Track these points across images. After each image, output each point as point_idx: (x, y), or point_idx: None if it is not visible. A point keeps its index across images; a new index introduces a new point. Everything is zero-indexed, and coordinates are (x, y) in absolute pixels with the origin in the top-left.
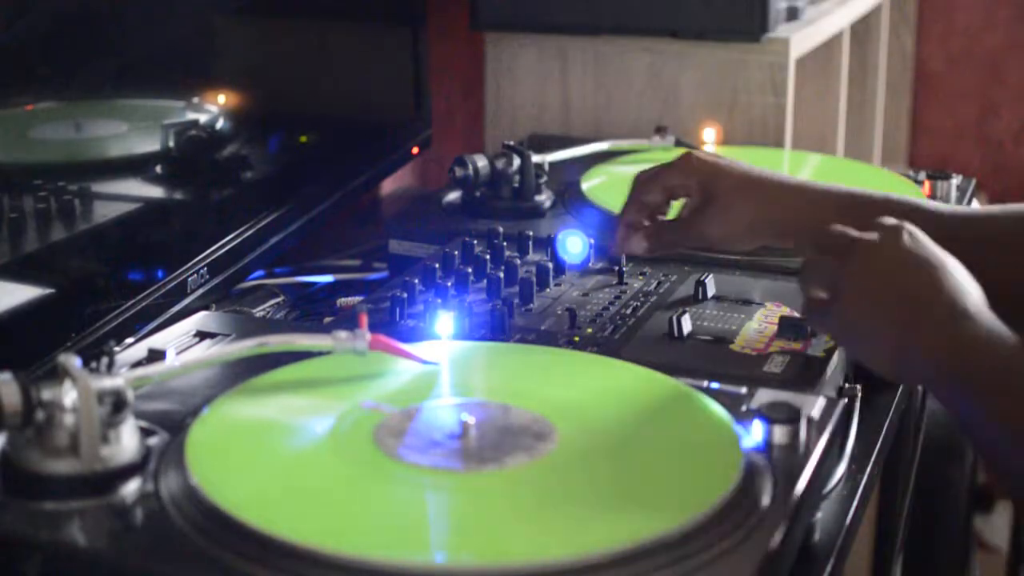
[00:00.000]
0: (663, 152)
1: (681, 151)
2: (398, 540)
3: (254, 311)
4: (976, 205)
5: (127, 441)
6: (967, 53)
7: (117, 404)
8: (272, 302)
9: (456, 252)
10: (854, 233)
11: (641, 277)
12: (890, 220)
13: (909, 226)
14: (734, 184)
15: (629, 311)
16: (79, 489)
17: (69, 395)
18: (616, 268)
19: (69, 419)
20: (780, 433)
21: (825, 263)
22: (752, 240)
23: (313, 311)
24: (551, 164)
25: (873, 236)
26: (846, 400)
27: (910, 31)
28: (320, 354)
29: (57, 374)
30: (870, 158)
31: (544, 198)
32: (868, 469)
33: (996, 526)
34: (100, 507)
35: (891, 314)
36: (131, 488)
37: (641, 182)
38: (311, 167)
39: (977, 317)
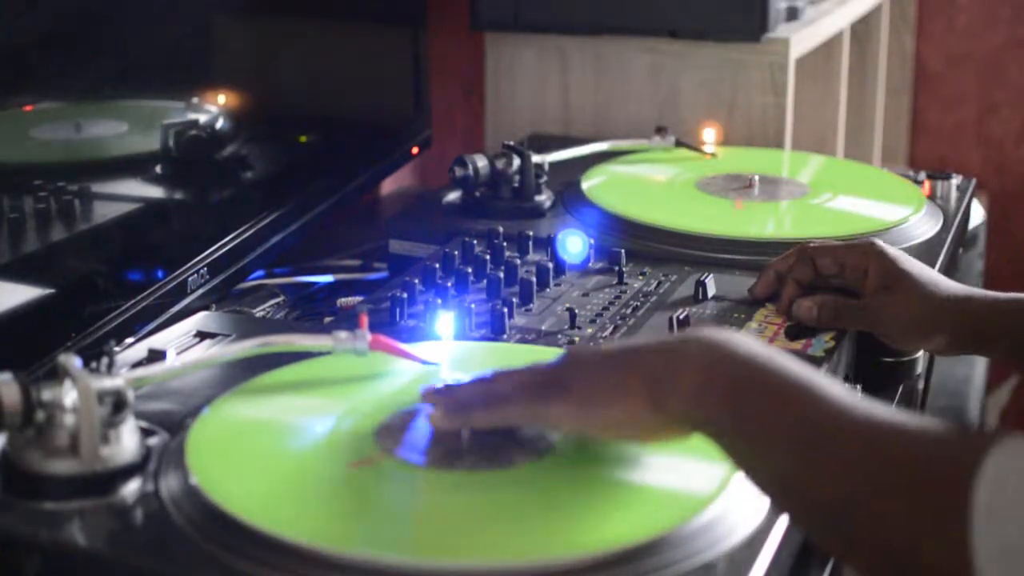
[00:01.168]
0: (663, 152)
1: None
2: (398, 540)
3: (254, 311)
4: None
5: (127, 441)
6: (967, 53)
7: (117, 404)
8: (272, 302)
9: (456, 252)
10: None
11: (641, 277)
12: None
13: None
14: (916, 277)
15: (629, 311)
16: (79, 489)
17: (69, 395)
18: (616, 268)
19: (69, 419)
20: None
21: None
22: (929, 342)
23: (313, 311)
24: (551, 164)
25: None
26: None
27: (910, 31)
28: (320, 354)
29: (57, 374)
30: (870, 158)
31: (544, 198)
32: None
33: None
34: (100, 507)
35: (632, 370)
36: (131, 488)
37: (815, 248)
38: (311, 167)
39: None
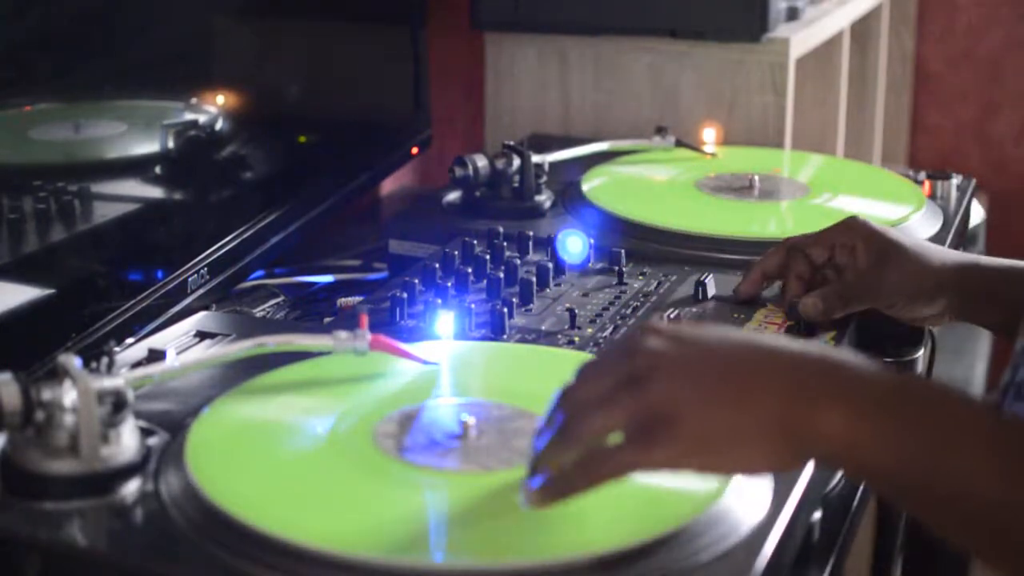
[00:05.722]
0: (663, 152)
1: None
2: (398, 540)
3: (254, 311)
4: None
5: (127, 441)
6: (967, 53)
7: (117, 404)
8: (272, 302)
9: (456, 252)
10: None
11: (641, 277)
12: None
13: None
14: (908, 245)
15: (629, 311)
16: (79, 489)
17: (69, 395)
18: (616, 268)
19: (69, 419)
20: None
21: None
22: (932, 308)
23: (313, 311)
24: (551, 164)
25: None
26: None
27: (910, 31)
28: (320, 354)
29: (57, 374)
30: (870, 158)
31: (544, 198)
32: None
33: None
34: (100, 507)
35: (757, 395)
36: (131, 488)
37: (803, 238)
38: (311, 167)
39: (841, 355)
